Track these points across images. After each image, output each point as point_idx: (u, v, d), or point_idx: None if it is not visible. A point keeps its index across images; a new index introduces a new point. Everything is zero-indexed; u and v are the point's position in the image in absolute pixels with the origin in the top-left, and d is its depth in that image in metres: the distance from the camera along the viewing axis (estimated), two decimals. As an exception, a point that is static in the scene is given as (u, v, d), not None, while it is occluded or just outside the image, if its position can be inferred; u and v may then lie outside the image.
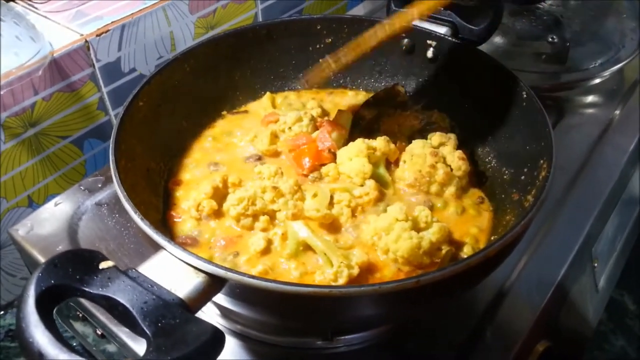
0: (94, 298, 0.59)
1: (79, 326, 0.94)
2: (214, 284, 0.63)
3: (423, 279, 0.63)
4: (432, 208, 0.88)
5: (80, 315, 0.89)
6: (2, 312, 1.10)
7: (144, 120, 0.89)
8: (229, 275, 0.62)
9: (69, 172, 1.14)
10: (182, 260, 0.64)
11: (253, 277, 0.63)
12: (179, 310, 0.59)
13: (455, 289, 0.72)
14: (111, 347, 0.90)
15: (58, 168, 1.12)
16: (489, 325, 0.86)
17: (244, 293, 0.66)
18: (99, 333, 0.87)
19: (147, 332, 0.56)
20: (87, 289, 0.58)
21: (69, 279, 0.58)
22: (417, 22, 1.04)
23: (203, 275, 0.63)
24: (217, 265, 0.62)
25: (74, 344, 0.97)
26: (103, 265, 0.61)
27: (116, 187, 0.73)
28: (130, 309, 0.57)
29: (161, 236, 0.65)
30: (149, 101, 0.90)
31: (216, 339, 0.58)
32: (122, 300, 0.58)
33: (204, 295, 0.63)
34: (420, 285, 0.62)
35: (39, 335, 0.52)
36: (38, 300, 0.55)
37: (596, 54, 1.34)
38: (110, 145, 0.79)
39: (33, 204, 1.10)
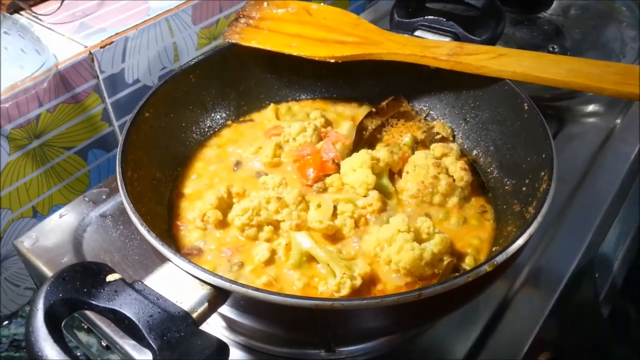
0: (101, 311, 0.59)
1: (83, 336, 0.95)
2: (219, 295, 0.64)
3: (425, 292, 0.63)
4: (433, 218, 0.88)
5: (85, 326, 0.90)
6: (6, 322, 1.11)
7: (150, 131, 0.90)
8: (234, 287, 0.63)
9: (73, 182, 1.15)
10: (187, 272, 0.64)
11: (257, 289, 0.63)
12: (184, 323, 0.60)
13: (457, 301, 0.73)
14: (115, 357, 0.91)
15: (62, 179, 1.13)
16: (491, 336, 0.86)
17: (249, 305, 0.66)
18: (104, 344, 0.88)
19: (153, 345, 0.57)
20: (94, 302, 0.59)
21: (77, 292, 0.59)
22: (420, 34, 1.05)
23: (208, 287, 0.64)
24: (222, 278, 0.63)
25: (78, 354, 0.98)
26: (110, 278, 0.61)
27: (123, 198, 0.74)
28: (137, 322, 0.58)
29: (167, 248, 0.66)
30: (155, 112, 0.91)
31: (220, 352, 0.59)
32: (128, 314, 0.58)
33: (208, 307, 0.64)
34: (423, 298, 0.63)
35: (48, 349, 0.53)
36: (47, 314, 0.56)
37: (597, 63, 1.35)
38: (117, 157, 0.80)
39: (37, 214, 1.11)
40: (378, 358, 0.86)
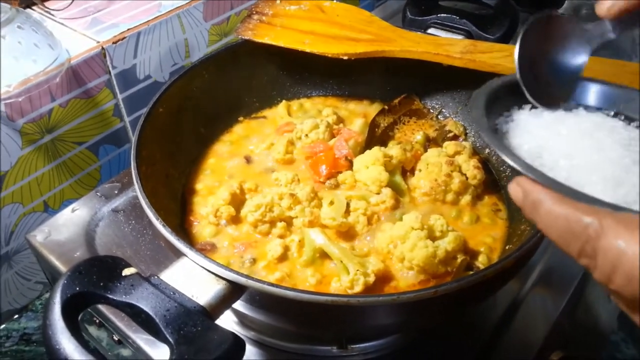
0: (117, 305, 0.59)
1: (93, 330, 0.95)
2: (234, 291, 0.64)
3: (441, 289, 0.63)
4: (446, 216, 0.88)
5: (97, 320, 0.90)
6: (17, 316, 1.11)
7: (164, 127, 0.90)
8: (250, 283, 0.63)
9: (84, 177, 1.15)
10: (203, 268, 0.64)
11: (273, 285, 0.63)
12: (201, 317, 0.60)
13: (472, 299, 0.72)
14: (125, 352, 0.91)
15: (74, 173, 1.13)
16: (504, 335, 0.86)
17: (264, 300, 0.66)
18: (116, 339, 0.88)
19: (170, 339, 0.57)
20: (111, 296, 0.59)
21: (94, 286, 0.59)
22: (433, 31, 1.05)
23: (224, 282, 0.64)
24: (238, 273, 0.63)
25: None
26: (126, 272, 0.61)
27: (138, 193, 0.74)
28: (153, 316, 0.58)
29: (183, 243, 0.66)
30: (169, 108, 0.91)
31: (237, 347, 0.59)
32: (145, 308, 0.58)
33: (224, 302, 0.64)
34: (438, 295, 0.63)
35: (65, 342, 0.53)
36: (64, 307, 0.56)
37: (609, 63, 1.34)
38: (132, 152, 0.80)
39: (49, 209, 1.11)
40: (389, 355, 0.86)
